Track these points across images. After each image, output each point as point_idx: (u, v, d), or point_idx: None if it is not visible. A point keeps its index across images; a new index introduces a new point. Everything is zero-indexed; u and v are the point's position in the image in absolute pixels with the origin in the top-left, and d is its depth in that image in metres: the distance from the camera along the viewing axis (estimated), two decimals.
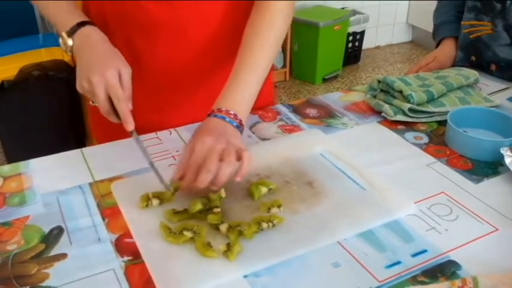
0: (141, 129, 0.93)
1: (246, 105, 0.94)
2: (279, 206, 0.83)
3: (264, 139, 1.06)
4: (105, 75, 0.87)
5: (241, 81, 0.95)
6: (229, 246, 0.75)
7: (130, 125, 0.88)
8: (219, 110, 0.90)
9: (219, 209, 0.82)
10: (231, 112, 0.90)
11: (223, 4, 1.03)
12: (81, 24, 0.94)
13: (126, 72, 0.90)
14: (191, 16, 1.01)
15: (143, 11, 0.99)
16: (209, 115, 0.90)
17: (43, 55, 2.34)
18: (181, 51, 1.05)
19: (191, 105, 1.13)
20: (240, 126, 0.90)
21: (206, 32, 1.05)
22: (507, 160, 0.92)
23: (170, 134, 1.08)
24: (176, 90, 1.10)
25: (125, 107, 0.88)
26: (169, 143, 1.04)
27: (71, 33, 0.93)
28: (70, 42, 0.93)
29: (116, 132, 1.00)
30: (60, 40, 0.94)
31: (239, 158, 0.83)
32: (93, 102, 0.90)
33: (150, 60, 1.04)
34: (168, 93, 1.10)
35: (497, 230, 0.81)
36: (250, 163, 0.84)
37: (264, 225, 0.79)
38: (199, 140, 0.85)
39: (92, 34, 0.94)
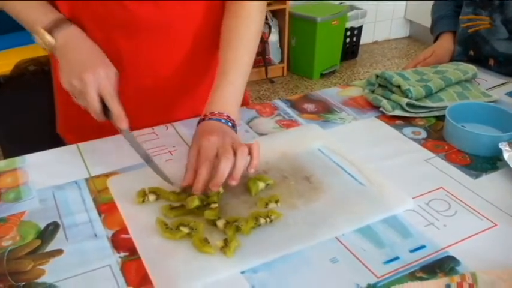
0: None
1: (235, 104, 0.95)
2: (276, 202, 0.83)
3: (261, 134, 1.06)
4: (99, 75, 0.88)
5: (228, 82, 0.95)
6: (226, 242, 0.74)
7: (124, 123, 0.89)
8: (212, 113, 0.90)
9: (216, 205, 0.81)
10: (224, 114, 0.91)
11: (205, 3, 1.02)
12: (61, 21, 0.93)
13: (114, 72, 0.92)
14: (175, 15, 1.00)
15: (126, 11, 0.96)
16: (203, 119, 0.91)
17: (39, 50, 2.32)
18: (165, 52, 1.04)
19: (175, 108, 1.12)
20: (234, 127, 0.91)
21: (190, 31, 1.04)
22: (505, 155, 0.92)
23: (167, 129, 1.07)
24: (159, 93, 1.09)
25: (118, 105, 0.89)
26: (166, 138, 1.04)
27: (50, 29, 0.92)
28: (51, 39, 0.92)
29: (86, 132, 1.01)
30: (37, 37, 0.93)
31: (248, 150, 0.83)
32: (77, 101, 0.90)
33: (132, 62, 1.02)
34: (151, 96, 1.08)
35: (495, 225, 0.80)
36: (259, 154, 0.84)
37: (262, 220, 0.78)
38: (204, 139, 0.85)
39: (75, 33, 0.94)
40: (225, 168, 0.80)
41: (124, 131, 0.90)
